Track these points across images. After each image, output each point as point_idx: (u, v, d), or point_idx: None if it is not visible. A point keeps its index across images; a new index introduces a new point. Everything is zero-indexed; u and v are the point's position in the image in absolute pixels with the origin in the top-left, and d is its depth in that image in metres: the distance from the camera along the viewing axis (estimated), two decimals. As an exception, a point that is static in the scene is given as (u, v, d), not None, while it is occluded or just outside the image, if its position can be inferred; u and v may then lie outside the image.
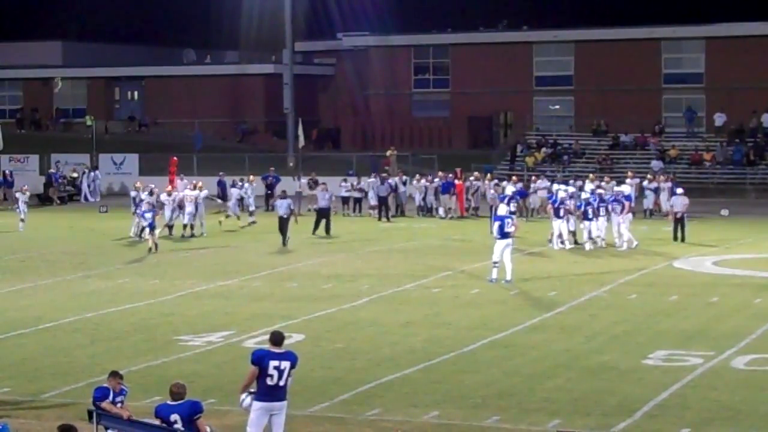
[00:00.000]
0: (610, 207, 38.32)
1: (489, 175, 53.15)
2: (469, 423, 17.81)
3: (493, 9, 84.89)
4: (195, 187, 44.22)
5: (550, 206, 39.38)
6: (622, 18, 79.78)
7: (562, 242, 38.39)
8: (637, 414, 18.16)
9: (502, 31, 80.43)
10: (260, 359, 15.27)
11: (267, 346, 15.60)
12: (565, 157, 66.56)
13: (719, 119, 68.39)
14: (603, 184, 43.00)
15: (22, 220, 46.59)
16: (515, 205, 40.04)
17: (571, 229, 38.94)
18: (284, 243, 39.61)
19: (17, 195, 48.33)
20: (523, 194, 48.06)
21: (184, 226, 43.15)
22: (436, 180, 52.03)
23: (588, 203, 38.11)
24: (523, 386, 20.00)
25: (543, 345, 23.36)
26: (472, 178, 52.19)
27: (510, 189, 43.79)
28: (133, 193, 44.76)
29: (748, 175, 62.79)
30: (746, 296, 29.06)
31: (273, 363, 15.21)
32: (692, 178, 60.86)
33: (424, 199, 52.28)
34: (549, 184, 51.05)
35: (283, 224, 39.91)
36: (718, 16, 74.04)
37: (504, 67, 76.07)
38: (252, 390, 15.36)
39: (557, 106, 77.84)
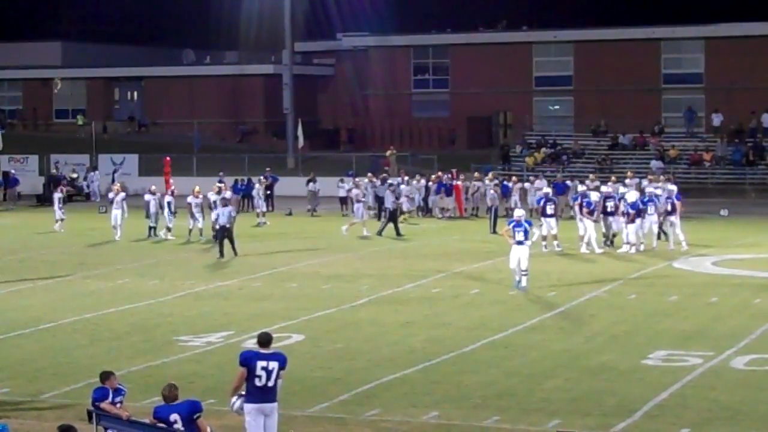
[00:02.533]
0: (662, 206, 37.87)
1: (490, 174, 53.13)
2: (468, 423, 17.80)
3: (493, 9, 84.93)
4: (219, 191, 43.38)
5: (584, 208, 37.77)
6: (621, 18, 79.83)
7: (588, 244, 37.47)
8: (637, 414, 18.15)
9: (502, 31, 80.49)
10: (247, 360, 15.18)
11: (255, 347, 15.53)
12: (565, 158, 66.59)
13: (716, 119, 68.44)
14: (660, 183, 42.75)
15: (58, 221, 46.35)
16: (552, 207, 38.11)
17: (615, 230, 38.30)
18: (233, 253, 36.97)
19: (55, 196, 48.26)
20: (560, 189, 47.54)
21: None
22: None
23: (632, 205, 37.11)
24: (522, 386, 19.99)
25: (543, 345, 23.35)
26: (475, 180, 52.07)
27: (546, 189, 41.09)
28: (147, 196, 44.38)
29: (748, 175, 62.81)
30: (746, 296, 29.06)
31: (260, 363, 15.11)
32: (692, 178, 60.89)
33: (424, 199, 52.29)
34: (546, 184, 51.05)
35: (224, 234, 37.02)
36: (718, 16, 74.05)
37: (504, 67, 76.11)
38: (242, 393, 15.30)
39: (557, 106, 77.88)
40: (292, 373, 18.00)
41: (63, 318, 26.61)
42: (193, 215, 42.04)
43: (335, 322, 26.03)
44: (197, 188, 43.12)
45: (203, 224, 42.02)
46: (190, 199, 42.01)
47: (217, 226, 37.27)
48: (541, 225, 37.45)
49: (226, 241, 36.99)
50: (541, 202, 38.70)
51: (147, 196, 44.03)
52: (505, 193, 49.37)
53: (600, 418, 17.92)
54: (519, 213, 30.84)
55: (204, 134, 77.78)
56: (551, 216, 37.88)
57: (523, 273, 29.78)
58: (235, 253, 36.99)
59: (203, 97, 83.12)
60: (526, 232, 29.76)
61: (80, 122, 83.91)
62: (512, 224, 30.22)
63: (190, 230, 42.40)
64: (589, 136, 70.33)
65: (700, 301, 28.39)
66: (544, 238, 37.60)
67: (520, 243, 29.64)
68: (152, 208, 43.21)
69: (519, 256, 29.65)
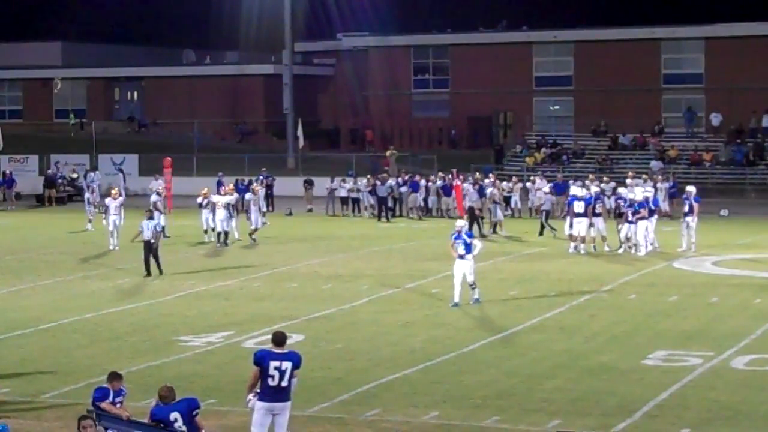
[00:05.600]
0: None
1: (491, 175, 53.04)
2: (468, 423, 17.80)
3: (493, 9, 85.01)
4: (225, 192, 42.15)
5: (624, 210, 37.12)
6: (622, 18, 79.91)
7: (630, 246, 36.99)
8: (637, 414, 18.15)
9: (502, 31, 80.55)
10: (261, 359, 15.28)
11: (269, 347, 15.61)
12: (565, 158, 66.58)
13: (716, 119, 68.46)
14: (659, 184, 42.48)
15: (90, 220, 46.19)
16: (601, 206, 37.42)
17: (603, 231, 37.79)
18: (160, 271, 33.14)
19: (87, 196, 48.07)
20: (561, 190, 47.30)
21: (218, 234, 40.58)
22: (439, 182, 52.02)
23: (642, 204, 36.72)
24: (522, 386, 19.99)
25: (543, 345, 23.35)
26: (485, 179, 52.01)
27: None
28: (154, 197, 44.36)
29: (748, 175, 62.80)
30: (746, 296, 29.06)
31: (273, 363, 15.20)
32: (692, 178, 60.84)
33: (424, 199, 52.31)
34: (549, 184, 50.99)
35: (150, 250, 33.12)
36: (718, 16, 74.10)
37: (504, 67, 76.12)
38: (258, 390, 15.37)
39: (557, 107, 77.89)
40: (292, 373, 18.02)
41: (63, 318, 26.61)
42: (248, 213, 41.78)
43: (335, 322, 26.02)
44: (230, 186, 43.24)
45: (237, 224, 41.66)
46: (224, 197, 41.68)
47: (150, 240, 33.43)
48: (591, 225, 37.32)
49: (152, 258, 33.22)
50: (591, 201, 37.57)
51: (153, 197, 43.89)
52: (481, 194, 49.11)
53: (600, 418, 17.92)
54: (460, 224, 28.56)
55: (204, 134, 77.78)
56: (598, 216, 37.32)
57: (472, 286, 27.85)
58: (160, 272, 33.08)
59: (203, 97, 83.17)
60: (467, 245, 27.63)
61: (72, 121, 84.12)
62: (453, 236, 28.03)
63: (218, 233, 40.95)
64: (589, 136, 70.35)
65: (700, 301, 28.39)
66: (584, 239, 37.32)
67: (461, 257, 27.63)
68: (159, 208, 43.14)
69: (463, 270, 27.63)
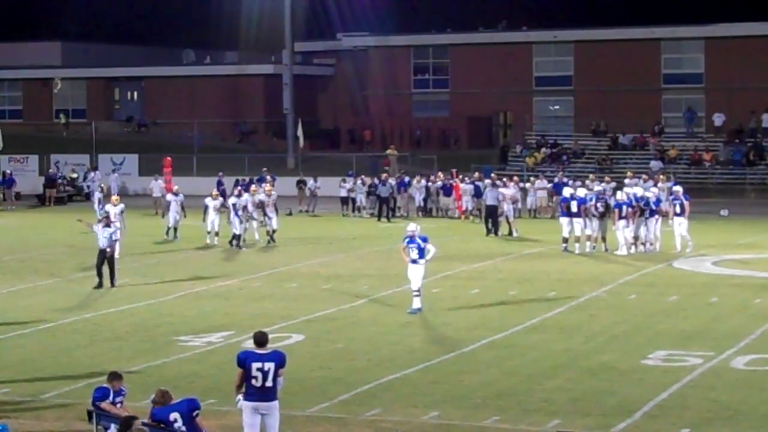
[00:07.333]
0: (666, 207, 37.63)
1: (493, 175, 53.02)
2: (468, 423, 17.80)
3: (493, 9, 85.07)
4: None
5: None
6: (622, 18, 79.94)
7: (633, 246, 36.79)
8: (637, 414, 18.15)
9: (502, 31, 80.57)
10: (243, 361, 15.20)
11: (251, 347, 15.54)
12: (565, 158, 66.59)
13: (718, 119, 68.48)
14: (660, 184, 42.58)
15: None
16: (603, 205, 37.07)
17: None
18: (112, 283, 30.94)
19: (97, 195, 47.99)
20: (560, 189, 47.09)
21: (234, 236, 39.73)
22: (438, 182, 52.07)
23: (618, 205, 36.56)
24: (522, 386, 19.99)
25: (543, 345, 23.34)
26: (475, 180, 52.01)
27: (599, 187, 39.03)
28: (169, 197, 44.30)
29: (748, 175, 62.81)
30: (746, 296, 29.05)
31: (255, 365, 15.10)
32: (692, 178, 60.90)
33: (424, 199, 52.32)
34: (548, 184, 51.00)
35: (105, 259, 31.10)
36: (718, 16, 74.13)
37: (504, 67, 76.15)
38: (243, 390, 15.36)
39: (557, 107, 77.91)
40: (292, 373, 18.02)
41: (63, 318, 26.61)
42: (266, 215, 41.49)
43: (335, 322, 26.02)
44: (253, 187, 43.17)
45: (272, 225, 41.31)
46: (261, 197, 41.36)
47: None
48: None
49: (105, 268, 31.14)
50: (593, 200, 37.35)
51: (169, 197, 43.84)
52: (479, 193, 48.98)
53: (600, 418, 17.92)
54: (412, 227, 27.54)
55: (204, 134, 77.78)
56: (603, 216, 37.15)
57: (415, 293, 26.95)
58: (112, 284, 31.02)
59: (203, 97, 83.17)
60: (420, 250, 26.84)
61: (63, 120, 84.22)
62: (405, 241, 27.25)
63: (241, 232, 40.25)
64: (589, 136, 70.36)
65: (700, 301, 28.38)
66: (589, 238, 37.20)
67: (414, 261, 26.90)
68: (172, 209, 42.78)
69: (415, 275, 26.92)
